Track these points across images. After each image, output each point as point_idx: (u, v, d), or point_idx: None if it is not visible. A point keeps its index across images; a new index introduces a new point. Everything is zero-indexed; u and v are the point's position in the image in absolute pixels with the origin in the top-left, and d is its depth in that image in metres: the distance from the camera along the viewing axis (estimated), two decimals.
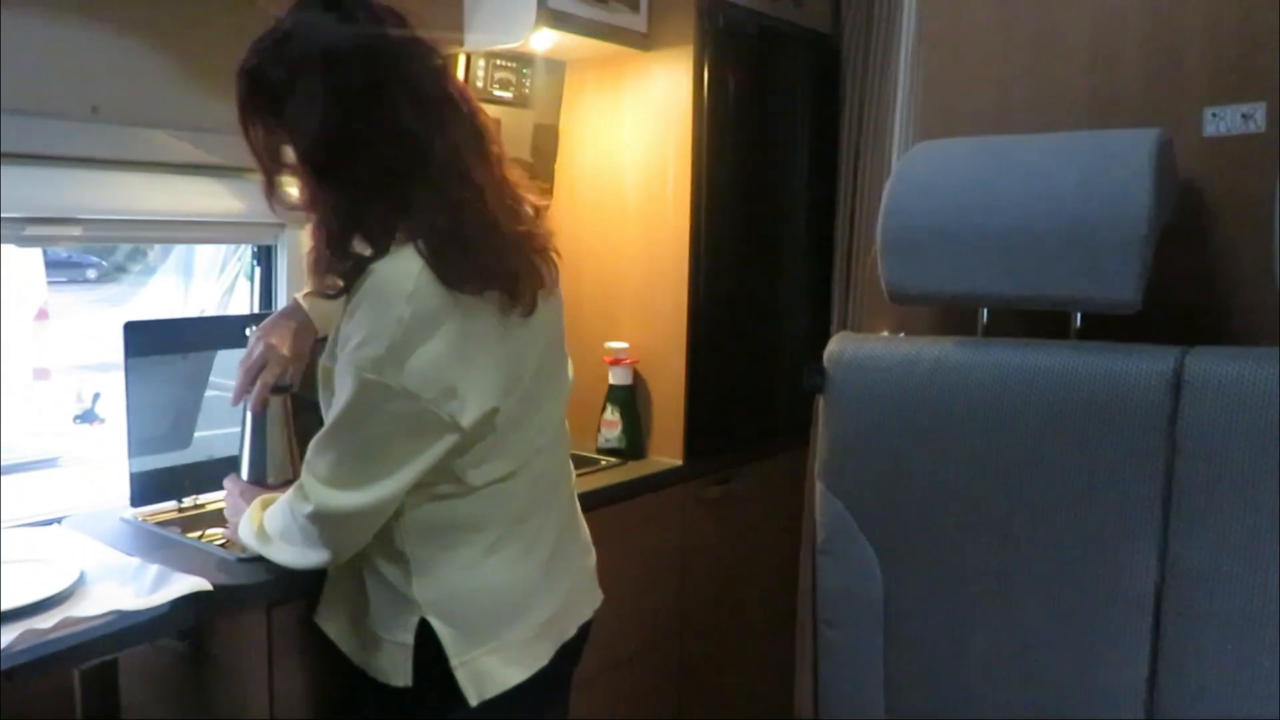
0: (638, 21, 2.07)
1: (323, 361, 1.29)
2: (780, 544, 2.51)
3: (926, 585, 1.35)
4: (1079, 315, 1.34)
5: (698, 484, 2.20)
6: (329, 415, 1.24)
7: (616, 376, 2.17)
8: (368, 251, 1.20)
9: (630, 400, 2.17)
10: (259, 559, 1.42)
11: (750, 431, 2.39)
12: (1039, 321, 1.36)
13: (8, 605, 1.25)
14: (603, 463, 2.14)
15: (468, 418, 1.21)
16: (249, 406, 1.54)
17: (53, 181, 1.64)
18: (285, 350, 1.53)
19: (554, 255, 1.32)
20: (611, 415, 2.17)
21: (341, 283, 1.22)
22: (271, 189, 1.26)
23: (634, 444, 2.18)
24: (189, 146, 1.80)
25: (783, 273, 2.45)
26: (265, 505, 1.40)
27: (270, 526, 1.34)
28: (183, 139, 1.79)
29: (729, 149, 2.18)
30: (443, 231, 1.18)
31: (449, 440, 1.22)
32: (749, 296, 2.33)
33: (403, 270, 1.18)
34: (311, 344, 1.56)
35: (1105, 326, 1.31)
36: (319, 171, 1.19)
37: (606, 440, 2.18)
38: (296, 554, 1.30)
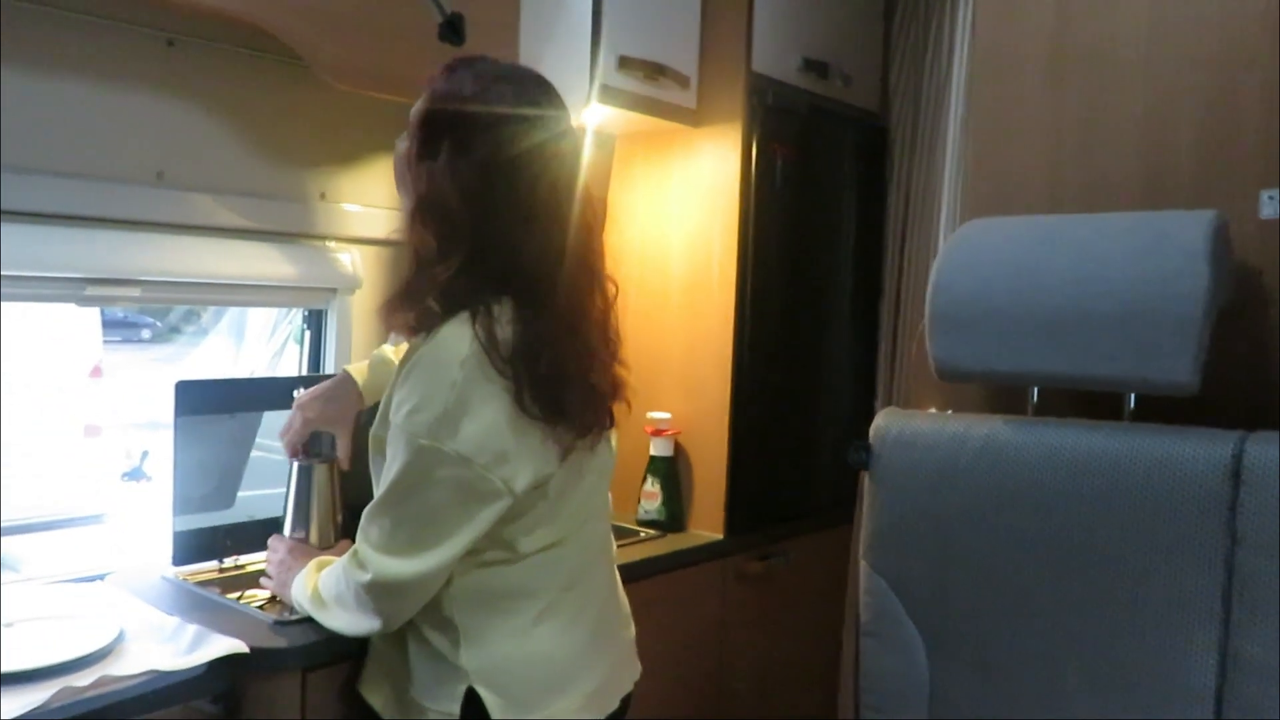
0: (688, 98, 2.11)
1: (374, 430, 1.30)
2: (821, 623, 2.48)
3: (974, 672, 1.31)
4: (1132, 396, 1.31)
5: (738, 559, 2.16)
6: (381, 482, 1.24)
7: (658, 447, 2.16)
8: (437, 308, 1.21)
9: (671, 472, 2.16)
10: (297, 623, 1.42)
11: (792, 507, 2.36)
12: (1091, 401, 1.34)
13: (47, 661, 1.25)
14: (642, 534, 2.12)
15: (520, 483, 1.21)
16: (297, 468, 1.57)
17: (115, 243, 1.68)
18: (309, 413, 1.56)
19: (626, 403, 1.33)
20: (652, 486, 2.15)
21: (407, 325, 1.22)
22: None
23: (674, 516, 2.15)
24: (247, 212, 1.85)
25: (827, 349, 2.44)
26: (321, 567, 1.40)
27: (326, 591, 1.34)
28: (241, 205, 1.84)
29: (776, 224, 2.19)
30: (535, 371, 1.20)
31: (501, 506, 1.22)
32: (793, 371, 2.32)
33: (456, 336, 1.19)
34: (356, 413, 1.58)
35: (1160, 408, 1.28)
36: (421, 218, 1.20)
37: (646, 512, 2.16)
38: (350, 620, 1.30)
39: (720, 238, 2.12)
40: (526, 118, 1.22)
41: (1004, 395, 1.43)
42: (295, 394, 1.76)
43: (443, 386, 1.17)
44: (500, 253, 1.21)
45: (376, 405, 1.59)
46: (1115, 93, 1.39)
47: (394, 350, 1.64)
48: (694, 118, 2.13)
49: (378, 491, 1.26)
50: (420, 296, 1.21)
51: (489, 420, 1.19)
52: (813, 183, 2.33)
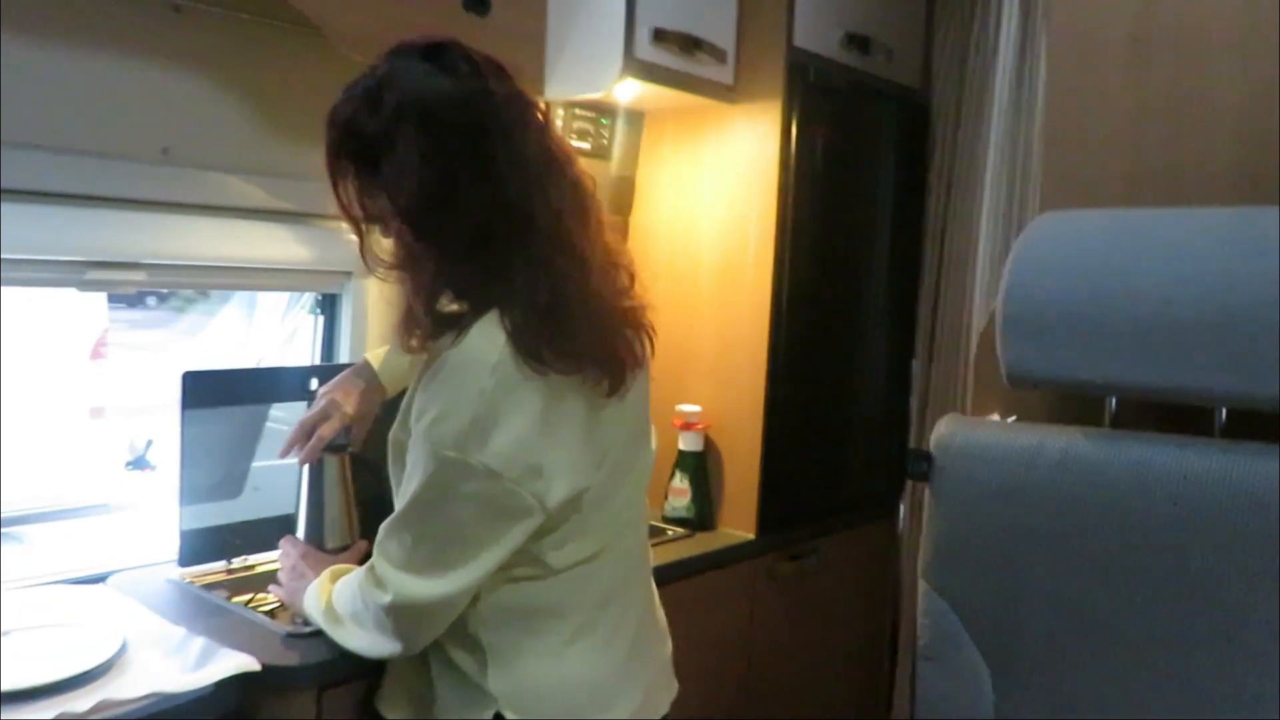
0: (724, 73, 1.99)
1: (393, 434, 1.20)
2: (853, 623, 2.39)
3: (1045, 705, 1.21)
4: (1223, 411, 1.20)
5: (770, 559, 2.07)
6: (401, 494, 1.15)
7: (687, 442, 2.06)
8: (454, 310, 1.13)
9: (701, 467, 2.06)
10: (314, 634, 1.33)
11: (826, 504, 2.27)
12: (1173, 415, 1.23)
13: (46, 679, 1.17)
14: (669, 533, 2.02)
15: (553, 499, 1.12)
16: (300, 460, 1.47)
17: (117, 225, 1.58)
18: (349, 407, 1.47)
19: (650, 331, 1.23)
20: (680, 483, 2.06)
21: (423, 343, 1.13)
22: (363, 243, 1.17)
23: (703, 514, 2.06)
24: (257, 191, 1.75)
25: (861, 341, 2.34)
26: (336, 576, 1.32)
27: (341, 607, 1.26)
28: (251, 184, 1.74)
29: (815, 209, 2.08)
30: (542, 307, 1.09)
31: (532, 523, 1.13)
32: (827, 363, 2.22)
33: (486, 339, 1.09)
34: (379, 405, 1.50)
35: (1251, 425, 1.18)
36: (414, 229, 1.10)
37: (674, 509, 2.06)
38: (368, 641, 1.22)
39: (757, 222, 2.01)
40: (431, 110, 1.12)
41: (1073, 404, 1.33)
42: (313, 385, 1.68)
43: (471, 394, 1.08)
44: (491, 236, 1.11)
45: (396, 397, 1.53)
46: (1205, 77, 1.27)
47: None
48: (730, 94, 2.01)
49: (398, 503, 1.17)
50: (424, 313, 1.11)
51: (521, 431, 1.09)
52: (852, 165, 2.22)
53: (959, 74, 2.35)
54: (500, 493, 1.09)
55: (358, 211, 1.16)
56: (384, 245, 1.17)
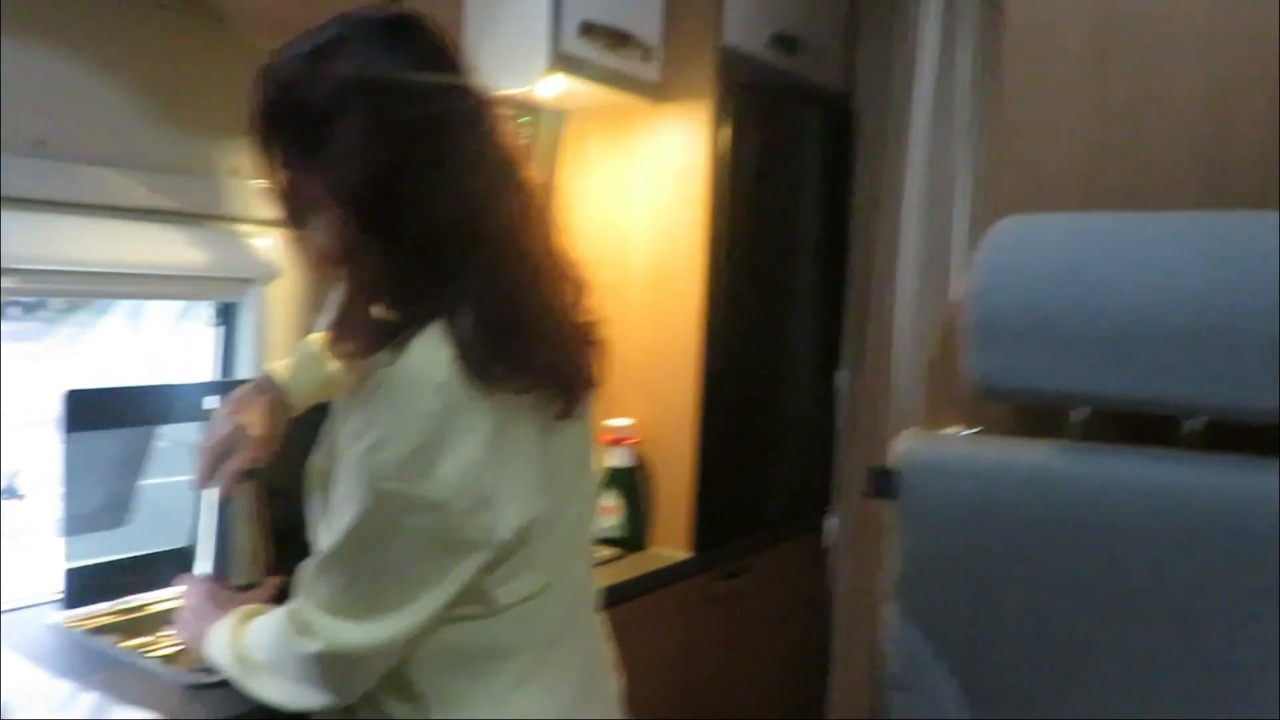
0: (651, 70, 1.91)
1: (315, 461, 1.07)
2: (785, 643, 2.34)
3: None
4: (1196, 422, 1.17)
5: (705, 579, 1.99)
6: (329, 528, 1.02)
7: (617, 458, 1.96)
8: (393, 318, 1.00)
9: (631, 484, 1.97)
10: (220, 684, 1.18)
11: (756, 520, 2.20)
12: (1140, 426, 1.20)
13: None
14: (600, 554, 1.92)
15: (503, 531, 1.01)
16: (219, 493, 1.34)
17: None
18: (257, 430, 1.32)
19: (602, 349, 1.13)
20: (611, 501, 1.96)
21: (360, 351, 1.01)
22: (289, 226, 1.04)
23: (634, 533, 1.97)
24: (145, 189, 1.59)
25: (790, 350, 2.28)
26: (247, 618, 1.17)
27: (257, 653, 1.11)
28: (138, 180, 1.57)
29: (745, 214, 2.01)
30: (494, 318, 0.98)
31: (480, 558, 1.01)
32: (758, 374, 2.16)
33: (431, 354, 0.97)
34: (285, 424, 1.36)
35: (1225, 436, 1.14)
36: (355, 218, 0.98)
37: (604, 529, 1.96)
38: (290, 693, 1.07)
39: (687, 227, 1.93)
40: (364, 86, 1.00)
41: (1038, 415, 1.28)
42: (207, 403, 1.53)
43: (414, 417, 0.96)
44: (442, 234, 0.99)
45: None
46: (1169, 74, 1.24)
47: (325, 344, 1.42)
48: (657, 92, 1.93)
49: (324, 540, 1.03)
50: (363, 315, 0.99)
51: (470, 457, 0.97)
52: (779, 170, 2.17)
53: (883, 79, 2.32)
54: (446, 527, 0.98)
55: (284, 193, 1.02)
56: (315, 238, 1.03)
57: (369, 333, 1.00)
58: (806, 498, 2.37)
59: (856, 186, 2.36)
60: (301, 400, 1.36)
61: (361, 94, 0.98)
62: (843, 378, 2.39)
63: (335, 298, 1.02)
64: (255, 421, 1.33)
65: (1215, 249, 1.08)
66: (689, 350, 1.93)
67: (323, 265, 1.03)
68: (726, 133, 1.93)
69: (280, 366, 1.38)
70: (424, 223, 0.98)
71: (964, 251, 2.21)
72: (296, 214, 1.03)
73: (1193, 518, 1.05)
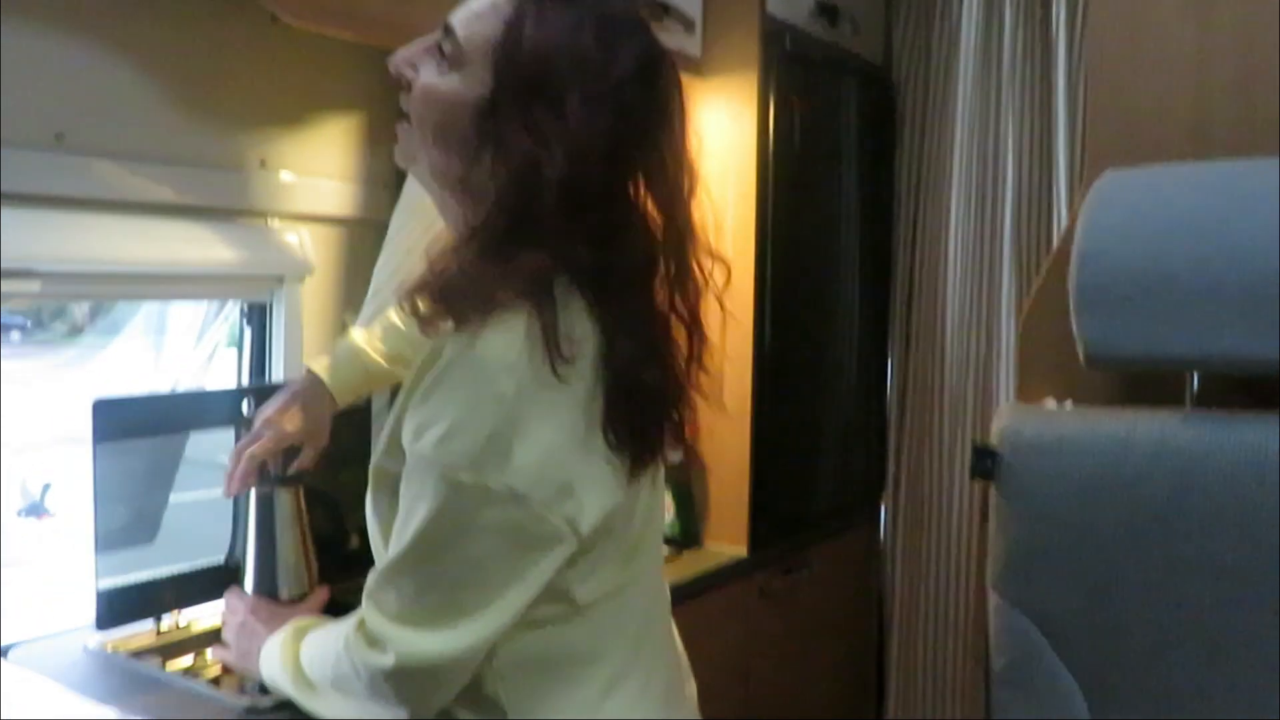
0: (692, 44, 1.82)
1: (377, 460, 0.98)
2: (841, 637, 2.26)
3: None
4: None
5: (763, 575, 1.90)
6: (399, 532, 0.93)
7: (670, 454, 1.87)
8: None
9: (685, 481, 1.88)
10: (277, 707, 1.11)
11: (811, 513, 2.11)
12: (1254, 391, 1.10)
13: None
14: None
15: (587, 521, 0.92)
16: (226, 490, 1.27)
17: (6, 224, 1.31)
18: (287, 425, 1.27)
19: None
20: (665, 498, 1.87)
21: (452, 313, 0.91)
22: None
23: (689, 531, 1.89)
24: (171, 184, 1.51)
25: (838, 335, 2.19)
26: (301, 633, 1.08)
27: (316, 671, 1.02)
28: (163, 175, 1.50)
29: (794, 194, 1.92)
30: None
31: (564, 552, 0.92)
32: (809, 362, 2.07)
33: (505, 333, 0.88)
34: (327, 420, 1.30)
35: None
36: (532, 191, 0.90)
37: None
38: (358, 712, 0.99)
39: (735, 208, 1.84)
40: (658, 70, 0.95)
41: (1142, 383, 1.19)
42: (245, 409, 1.45)
43: (487, 401, 0.87)
44: (603, 231, 0.92)
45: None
46: (1275, 11, 1.15)
47: (366, 337, 1.33)
48: (698, 66, 1.84)
49: (393, 545, 0.94)
50: (490, 284, 0.90)
51: (548, 442, 0.89)
52: (825, 144, 2.07)
53: (924, 50, 2.24)
54: (527, 519, 0.89)
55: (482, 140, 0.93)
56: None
57: (479, 302, 0.90)
58: (861, 487, 2.28)
59: (900, 160, 2.29)
60: (343, 393, 1.31)
61: (642, 69, 0.93)
62: (892, 361, 2.30)
63: (439, 253, 0.93)
64: (288, 418, 1.27)
65: None
66: (742, 342, 1.85)
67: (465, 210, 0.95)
68: (771, 105, 1.84)
69: (319, 362, 1.32)
70: (614, 211, 0.93)
71: (1013, 226, 2.13)
72: (455, 147, 0.95)
73: None
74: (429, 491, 0.89)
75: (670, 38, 1.76)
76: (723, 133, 1.86)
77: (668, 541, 1.87)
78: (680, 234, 0.96)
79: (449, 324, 0.91)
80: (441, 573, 0.92)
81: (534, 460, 0.88)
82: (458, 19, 0.96)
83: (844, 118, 2.15)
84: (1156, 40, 1.23)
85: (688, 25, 1.79)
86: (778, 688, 2.00)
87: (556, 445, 0.90)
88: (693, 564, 1.81)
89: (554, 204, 0.89)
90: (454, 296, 0.90)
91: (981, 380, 2.18)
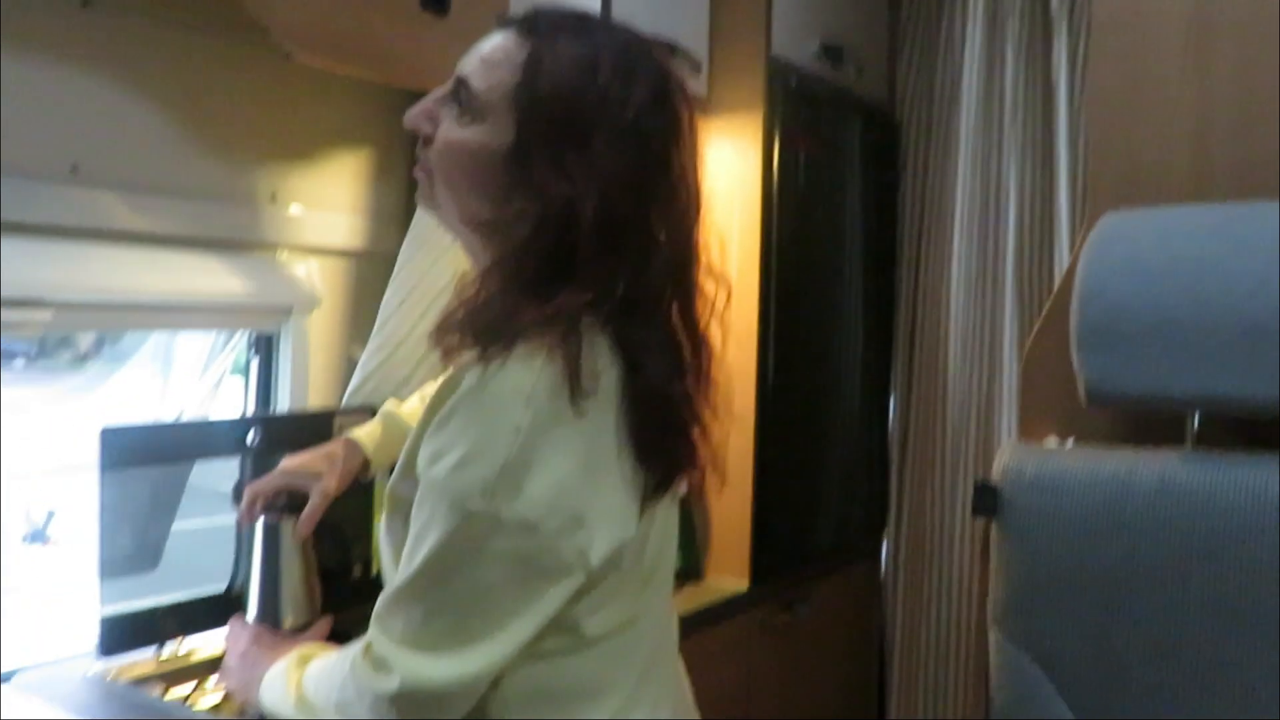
0: (699, 84, 1.85)
1: (392, 486, 0.99)
2: (842, 671, 2.25)
3: None
4: None
5: (764, 609, 1.90)
6: (409, 556, 0.93)
7: None
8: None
9: (686, 514, 1.88)
10: None
11: (820, 545, 2.12)
12: (1252, 432, 1.11)
13: None
14: None
15: (597, 554, 0.92)
16: (261, 522, 1.28)
17: (17, 255, 1.33)
18: (295, 464, 1.28)
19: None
20: None
21: (477, 342, 0.93)
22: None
23: (691, 564, 1.88)
24: (183, 216, 1.53)
25: (841, 371, 2.20)
26: (304, 660, 1.08)
27: (319, 696, 1.02)
28: (175, 207, 1.52)
29: (797, 231, 1.94)
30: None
31: (572, 584, 0.93)
32: (811, 396, 2.08)
33: (521, 364, 0.89)
34: (347, 479, 1.29)
35: None
36: (601, 223, 0.92)
37: None
38: None
39: (740, 242, 1.86)
40: (671, 94, 0.97)
41: (1144, 423, 1.20)
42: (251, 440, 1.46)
43: (503, 431, 0.88)
44: (636, 262, 0.93)
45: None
46: (1273, 58, 1.17)
47: (398, 406, 1.37)
48: (704, 105, 1.87)
49: (402, 569, 0.95)
50: (522, 320, 0.91)
51: (561, 474, 0.90)
52: (828, 183, 2.09)
53: (927, 90, 2.27)
54: (537, 549, 0.90)
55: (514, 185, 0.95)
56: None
57: (508, 339, 0.92)
58: (862, 522, 2.29)
59: (902, 199, 2.30)
60: (380, 461, 1.31)
61: (657, 100, 0.95)
62: (895, 399, 2.31)
63: (469, 286, 0.96)
64: (319, 463, 1.28)
65: None
66: (745, 373, 1.86)
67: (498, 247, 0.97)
68: (776, 144, 1.86)
69: (362, 431, 1.33)
70: (642, 241, 0.94)
71: (1014, 265, 2.15)
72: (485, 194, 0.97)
73: None
74: (440, 518, 0.90)
75: None
76: (728, 170, 1.88)
77: None
78: (689, 254, 0.98)
79: (470, 354, 0.93)
80: (449, 599, 0.93)
81: (546, 491, 0.89)
82: (471, 70, 0.97)
83: (848, 156, 2.18)
84: (1156, 84, 1.25)
85: (694, 66, 1.81)
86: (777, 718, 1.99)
87: (569, 477, 0.91)
88: (694, 598, 1.81)
89: (588, 242, 0.91)
90: (483, 330, 0.92)
91: (983, 418, 2.19)
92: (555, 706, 0.99)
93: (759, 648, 1.90)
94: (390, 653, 0.94)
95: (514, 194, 0.94)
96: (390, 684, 0.93)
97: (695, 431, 1.02)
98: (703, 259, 1.00)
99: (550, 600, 0.93)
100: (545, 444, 0.89)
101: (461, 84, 0.97)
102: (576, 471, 0.91)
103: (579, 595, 0.96)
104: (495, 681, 0.97)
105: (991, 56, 2.18)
